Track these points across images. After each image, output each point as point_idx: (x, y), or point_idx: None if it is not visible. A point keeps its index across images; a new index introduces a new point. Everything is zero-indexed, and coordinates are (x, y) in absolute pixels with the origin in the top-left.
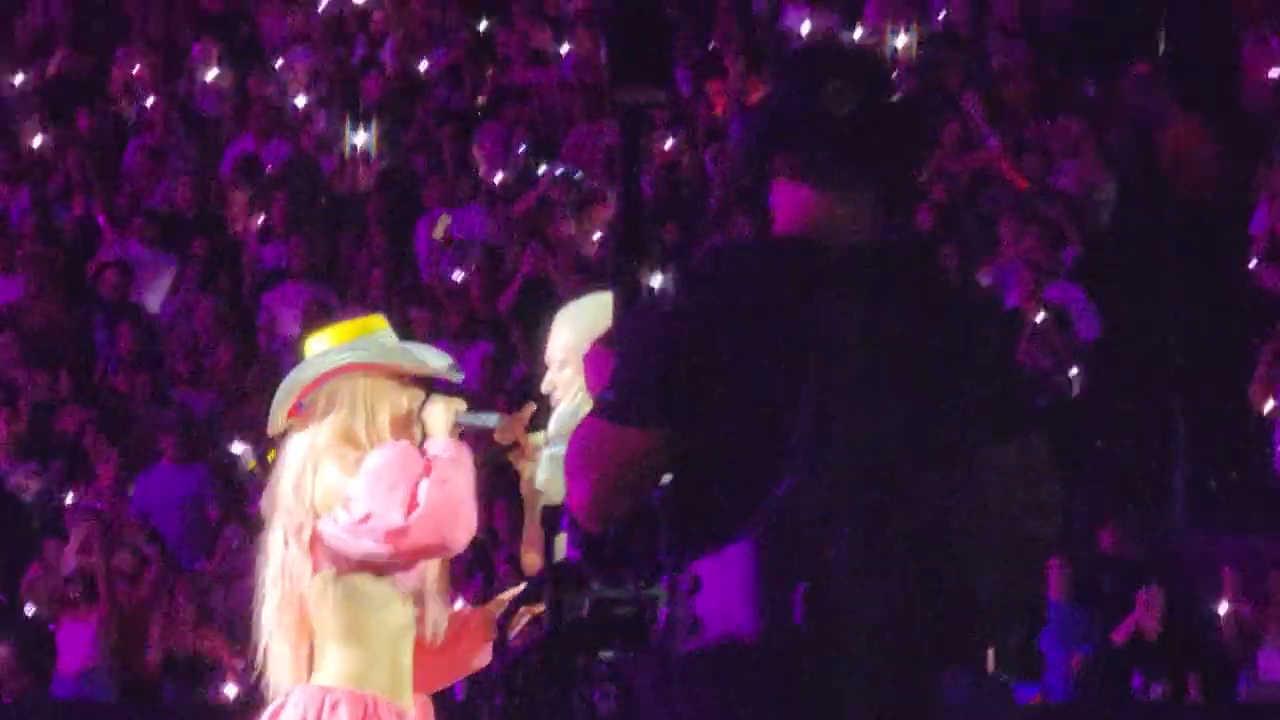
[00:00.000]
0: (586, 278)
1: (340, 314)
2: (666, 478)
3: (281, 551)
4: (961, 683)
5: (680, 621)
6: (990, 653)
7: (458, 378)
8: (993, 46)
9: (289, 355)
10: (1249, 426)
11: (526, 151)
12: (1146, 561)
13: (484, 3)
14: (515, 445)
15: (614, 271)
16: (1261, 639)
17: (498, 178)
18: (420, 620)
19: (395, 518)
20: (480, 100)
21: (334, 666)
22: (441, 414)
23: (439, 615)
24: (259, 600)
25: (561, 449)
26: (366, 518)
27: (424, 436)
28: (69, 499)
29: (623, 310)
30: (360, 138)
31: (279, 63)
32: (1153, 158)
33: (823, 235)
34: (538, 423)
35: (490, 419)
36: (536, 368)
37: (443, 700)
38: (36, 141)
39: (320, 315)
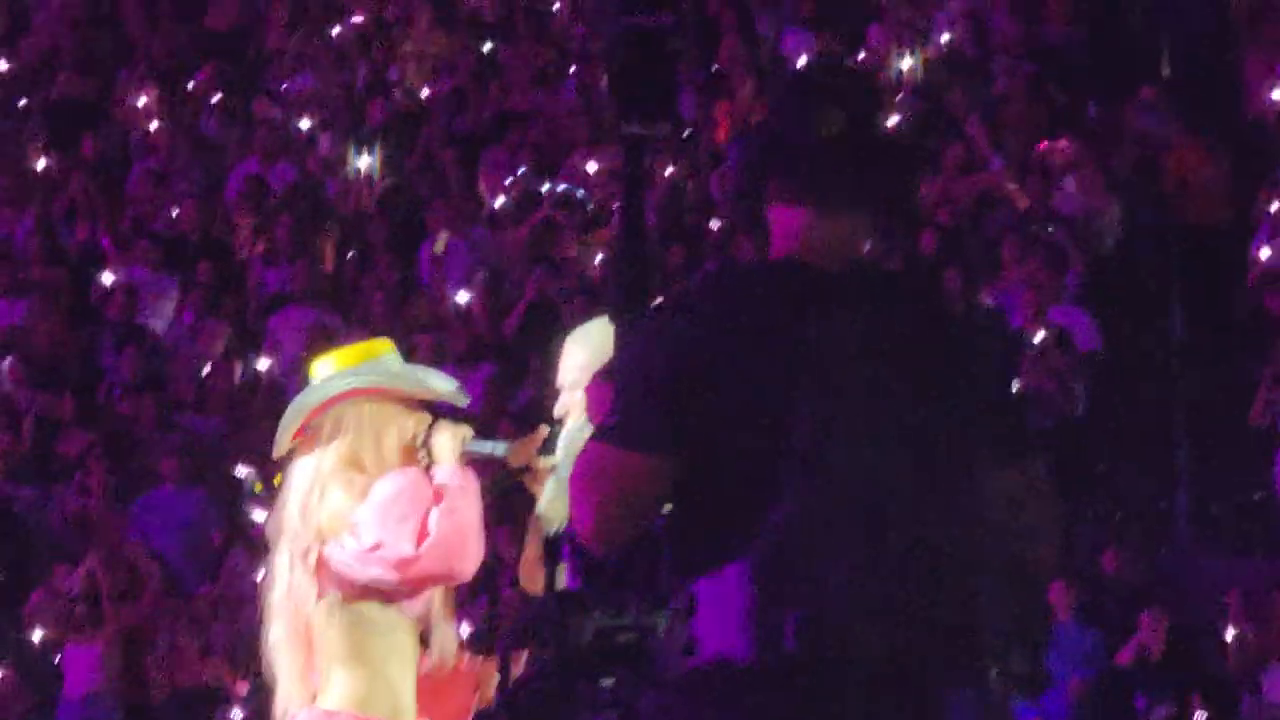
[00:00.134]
0: (591, 300)
1: (344, 337)
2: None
3: (287, 575)
4: (965, 705)
5: (677, 641)
6: (994, 674)
7: (464, 402)
8: (997, 69)
9: (293, 378)
10: (1252, 449)
11: (529, 174)
12: (1150, 583)
13: (488, 26)
14: (528, 469)
15: (616, 302)
16: (1265, 661)
17: (501, 201)
18: (426, 646)
19: (405, 547)
20: (484, 123)
21: (338, 690)
22: (449, 441)
23: (445, 641)
24: (265, 624)
25: (567, 472)
26: (376, 546)
27: (430, 462)
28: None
29: (623, 340)
30: (364, 161)
31: (284, 86)
32: (1156, 180)
33: (819, 258)
34: (550, 446)
35: (498, 447)
36: (543, 391)
37: None
38: (41, 164)
39: (323, 338)
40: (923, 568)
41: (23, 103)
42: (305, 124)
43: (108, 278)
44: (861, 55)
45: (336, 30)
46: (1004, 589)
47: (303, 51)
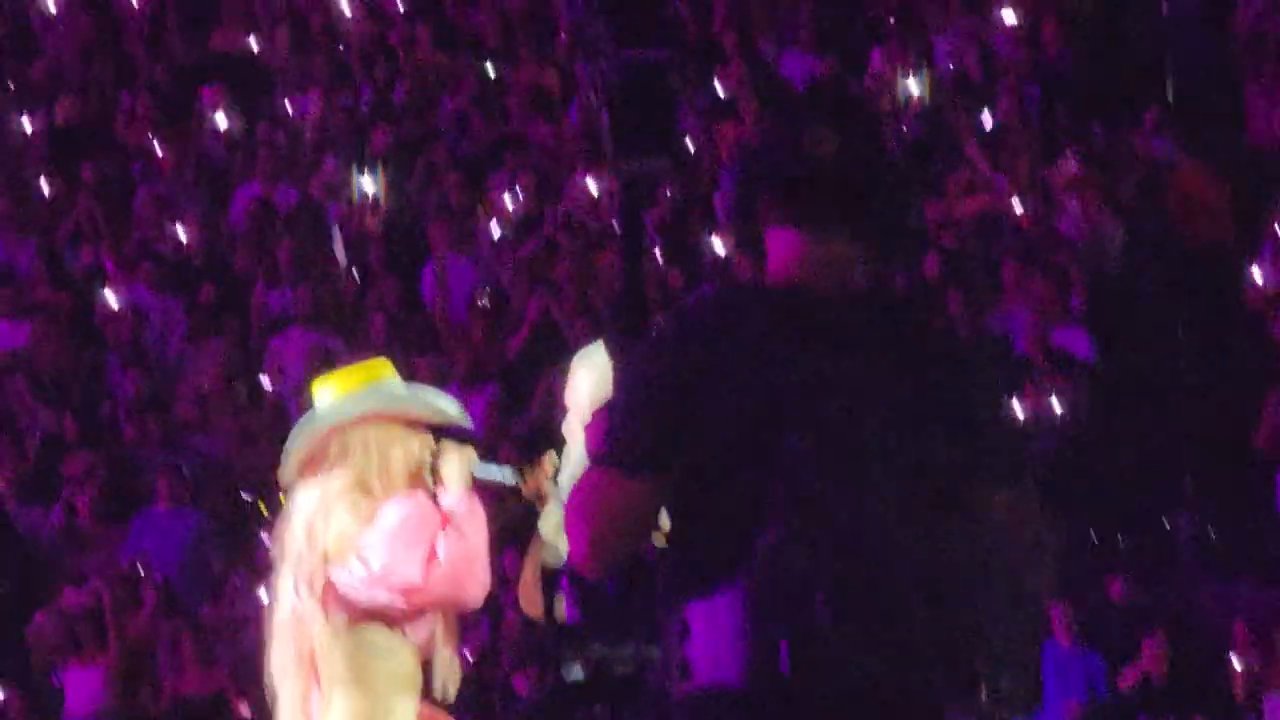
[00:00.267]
0: (593, 322)
1: (345, 359)
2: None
3: (292, 597)
4: None
5: (670, 665)
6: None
7: (467, 422)
8: (1001, 91)
9: (296, 400)
10: (1256, 473)
11: (531, 197)
12: (1153, 608)
13: (491, 48)
14: (539, 497)
15: (614, 337)
16: (1268, 686)
17: (504, 223)
18: (428, 671)
19: (413, 574)
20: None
21: (339, 713)
22: (456, 465)
23: (448, 668)
24: (268, 645)
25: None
26: (383, 571)
27: (437, 485)
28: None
29: (618, 373)
30: (368, 183)
31: (287, 108)
32: (1160, 203)
33: (811, 282)
34: (558, 474)
35: (504, 472)
36: (546, 413)
37: None
38: (45, 188)
39: (323, 361)
40: (913, 592)
41: (27, 125)
42: (309, 146)
43: (112, 299)
44: (865, 79)
45: (340, 52)
46: (995, 613)
47: (306, 73)
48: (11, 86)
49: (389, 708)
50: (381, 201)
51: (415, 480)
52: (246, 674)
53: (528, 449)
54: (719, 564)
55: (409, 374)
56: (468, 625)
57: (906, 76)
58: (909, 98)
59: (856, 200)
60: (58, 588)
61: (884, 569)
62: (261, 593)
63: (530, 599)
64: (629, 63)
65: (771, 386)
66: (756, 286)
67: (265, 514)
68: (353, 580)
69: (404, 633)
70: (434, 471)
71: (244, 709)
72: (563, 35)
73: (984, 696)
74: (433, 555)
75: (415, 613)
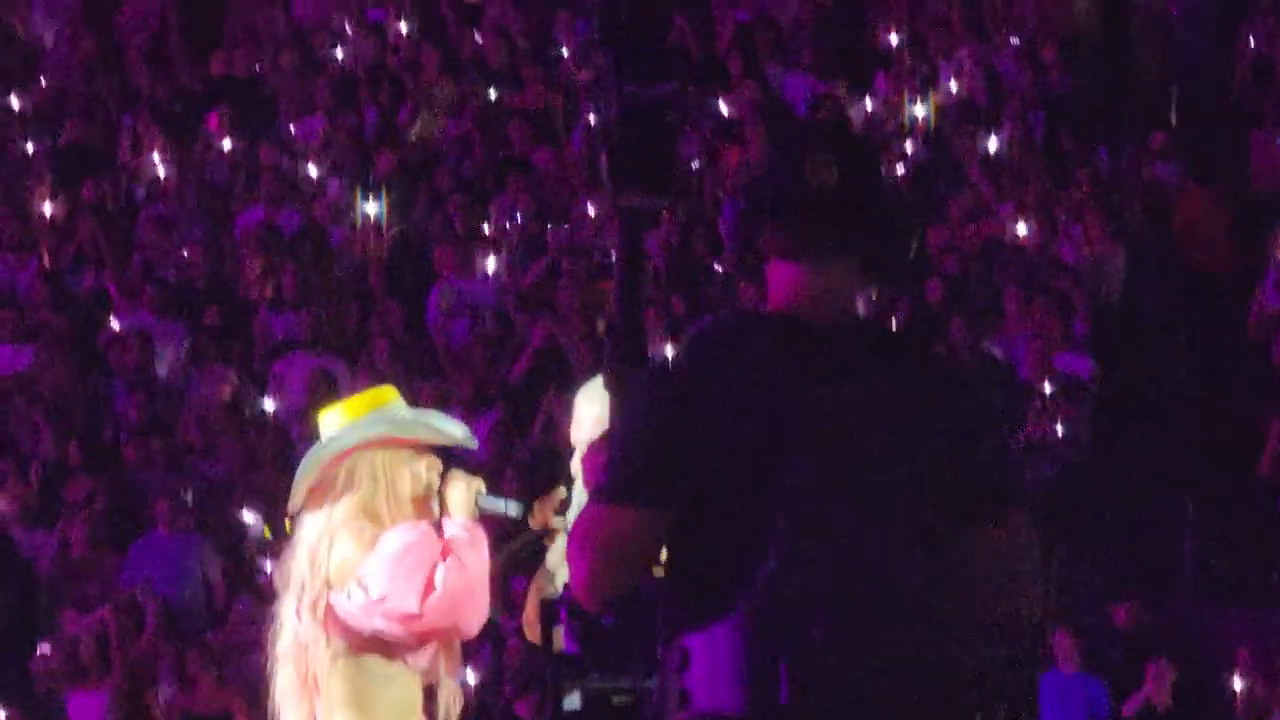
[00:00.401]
0: (596, 348)
1: (348, 383)
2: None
3: (294, 623)
4: None
5: (670, 693)
6: None
7: (473, 445)
8: (1006, 116)
9: (298, 424)
10: (1258, 499)
11: (535, 221)
12: (1156, 633)
13: (494, 71)
14: (547, 530)
15: (611, 371)
16: (1272, 712)
17: (506, 248)
18: (431, 699)
19: (410, 603)
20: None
21: None
22: (462, 494)
23: (450, 695)
24: (271, 670)
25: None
26: (382, 599)
27: (442, 510)
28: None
29: (616, 405)
30: (371, 207)
31: (291, 131)
32: (1164, 229)
33: (812, 311)
34: (567, 506)
35: (510, 505)
36: (549, 437)
37: None
38: (48, 209)
39: (325, 385)
40: (910, 618)
41: (30, 147)
42: (313, 170)
43: (116, 324)
44: (871, 103)
45: (343, 76)
46: (988, 643)
47: (310, 96)
48: (15, 108)
49: None
50: (384, 225)
51: (422, 504)
52: (251, 698)
53: (530, 474)
54: (717, 592)
55: (412, 398)
56: (470, 652)
57: (911, 101)
58: (913, 122)
59: (858, 230)
60: (60, 612)
61: (882, 595)
62: (265, 617)
63: (534, 628)
64: (630, 98)
65: (772, 415)
66: (757, 315)
67: (269, 538)
68: (352, 607)
69: (405, 661)
70: (440, 497)
71: None
72: (564, 55)
73: None
74: (430, 585)
75: (415, 640)
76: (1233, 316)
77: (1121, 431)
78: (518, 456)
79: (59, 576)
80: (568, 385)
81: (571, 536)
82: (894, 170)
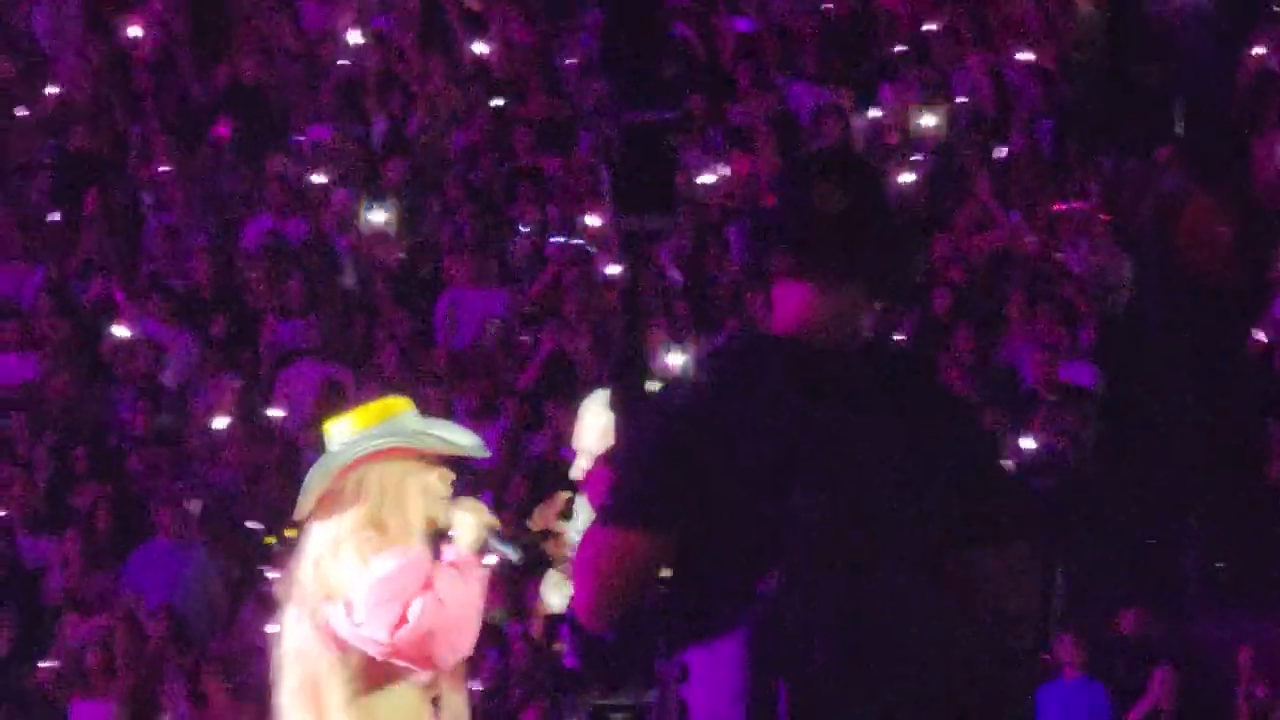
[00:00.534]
0: (604, 356)
1: (356, 392)
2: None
3: (297, 631)
4: None
5: (668, 706)
6: None
7: (485, 454)
8: (1013, 126)
9: (305, 433)
10: (1262, 507)
11: (540, 230)
12: (1161, 641)
13: (500, 81)
14: (549, 534)
15: (615, 392)
16: (1277, 718)
17: (516, 256)
18: (436, 708)
19: (380, 634)
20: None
21: None
22: (471, 525)
23: (455, 706)
24: (276, 677)
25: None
26: (359, 622)
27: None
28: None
29: (622, 424)
30: (379, 216)
31: (298, 140)
32: (1169, 238)
33: (819, 334)
34: (570, 512)
35: (515, 551)
36: (558, 446)
37: None
38: (54, 218)
39: (334, 394)
40: (910, 645)
41: (38, 155)
42: (320, 179)
43: (123, 332)
44: (877, 113)
45: (350, 85)
46: (987, 670)
47: (317, 105)
48: (23, 115)
49: None
50: (392, 234)
51: (431, 516)
52: (258, 705)
53: (537, 483)
54: (721, 610)
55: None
56: (475, 659)
57: (917, 111)
58: (920, 131)
59: (865, 254)
60: (64, 620)
61: (882, 621)
62: (270, 625)
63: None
64: (631, 124)
65: (783, 441)
66: (767, 340)
67: (275, 545)
68: (339, 622)
69: (404, 673)
70: (449, 516)
71: None
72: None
73: None
74: (403, 619)
75: (392, 663)
76: (1238, 326)
77: (1127, 440)
78: (525, 464)
79: (62, 584)
80: (575, 394)
81: (577, 557)
82: (901, 180)
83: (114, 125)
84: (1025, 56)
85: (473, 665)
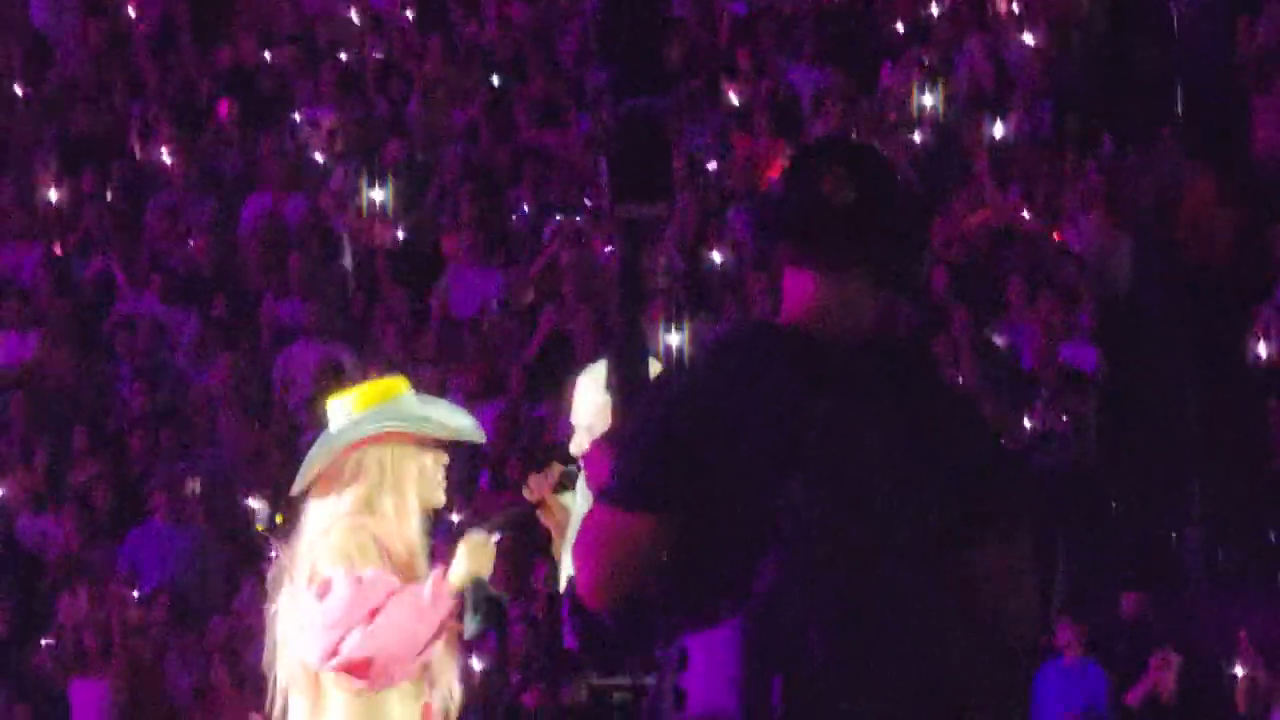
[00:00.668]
0: (603, 336)
1: (355, 371)
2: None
3: (292, 609)
4: None
5: (666, 692)
6: None
7: (482, 439)
8: (1012, 106)
9: (305, 413)
10: (1263, 489)
11: (540, 210)
12: (1160, 624)
13: (499, 60)
14: (542, 503)
15: (615, 373)
16: (1275, 700)
17: (514, 236)
18: (432, 687)
19: (312, 656)
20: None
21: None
22: (464, 568)
23: (449, 689)
24: (273, 655)
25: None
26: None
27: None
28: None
29: (622, 409)
30: (378, 195)
31: (298, 120)
32: (1169, 220)
33: (825, 323)
34: (564, 484)
35: (471, 622)
36: (558, 426)
37: None
38: (54, 197)
39: (332, 374)
40: (904, 636)
41: (39, 135)
42: (319, 158)
43: (125, 310)
44: (876, 92)
45: (350, 65)
46: (984, 667)
47: (317, 86)
48: (24, 96)
49: (387, 714)
50: (390, 213)
51: (428, 494)
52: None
53: (535, 463)
54: (719, 597)
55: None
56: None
57: (919, 91)
58: (920, 111)
59: (874, 246)
60: (61, 600)
61: (879, 617)
62: (268, 604)
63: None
64: (628, 111)
65: (784, 430)
66: (772, 329)
67: (274, 524)
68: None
69: None
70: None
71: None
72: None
73: None
74: (335, 650)
75: None
76: (1238, 308)
77: (1127, 421)
78: (523, 444)
79: (59, 563)
80: (573, 374)
81: (579, 539)
82: (901, 161)
83: (114, 106)
84: (1025, 38)
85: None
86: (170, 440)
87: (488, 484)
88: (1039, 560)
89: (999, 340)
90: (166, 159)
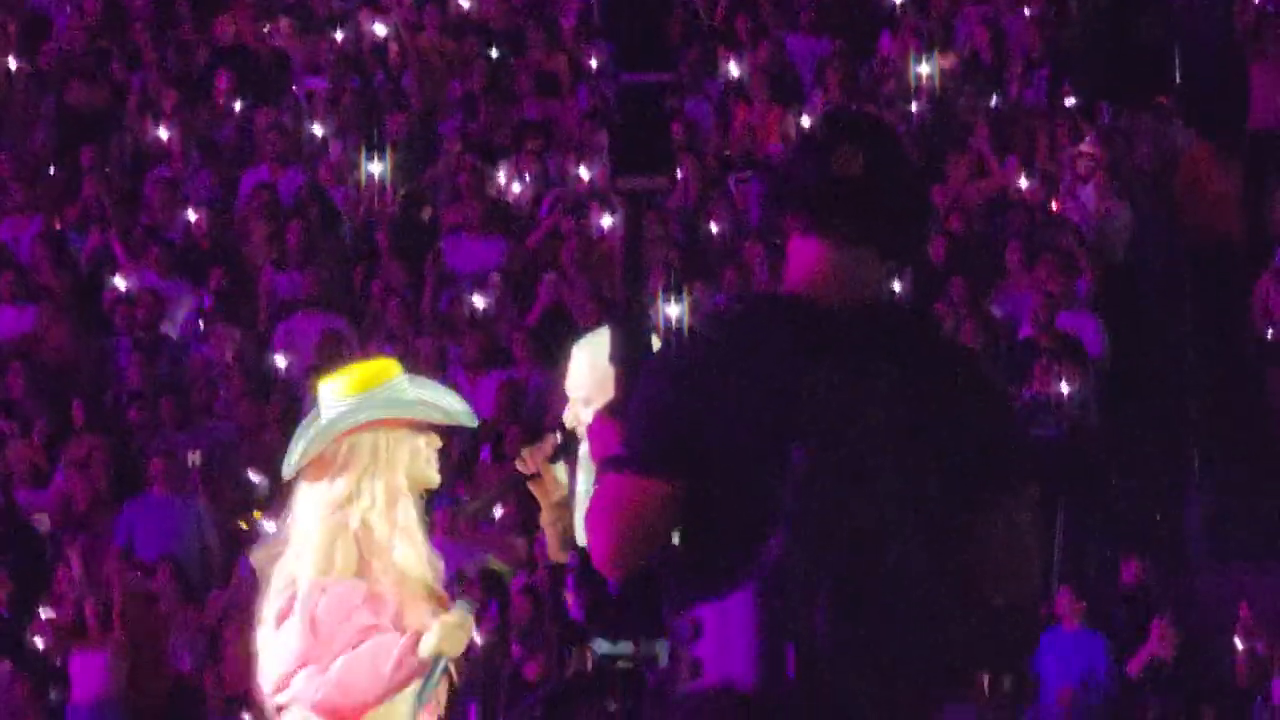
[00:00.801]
0: (602, 306)
1: (354, 344)
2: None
3: (283, 589)
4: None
5: (681, 662)
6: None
7: (474, 423)
8: (1012, 75)
9: (304, 387)
10: (1263, 459)
11: (538, 182)
12: (1162, 592)
13: (498, 33)
14: (536, 476)
15: (618, 345)
16: (1276, 669)
17: (514, 207)
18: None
19: (267, 681)
20: (496, 130)
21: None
22: (440, 637)
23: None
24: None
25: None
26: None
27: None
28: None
29: (625, 379)
30: (376, 167)
31: (296, 92)
32: (1169, 187)
33: (830, 292)
34: (559, 455)
35: (420, 694)
36: (556, 397)
37: None
38: (52, 171)
39: (334, 346)
40: (914, 608)
41: (37, 108)
42: (317, 130)
43: (123, 284)
44: (874, 61)
45: (347, 37)
46: (991, 624)
47: (315, 59)
48: (22, 69)
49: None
50: (389, 185)
51: (418, 478)
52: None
53: (534, 435)
54: (730, 567)
55: (416, 358)
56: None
57: (916, 59)
58: (918, 80)
59: (880, 220)
60: (61, 572)
61: (888, 580)
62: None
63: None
64: (629, 86)
65: (784, 396)
66: (774, 298)
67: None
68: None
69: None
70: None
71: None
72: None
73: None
74: (285, 684)
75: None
76: (1238, 275)
77: (1127, 390)
78: (524, 415)
79: (58, 536)
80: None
81: (592, 507)
82: (898, 128)
83: (112, 79)
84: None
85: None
86: (169, 412)
87: (489, 457)
88: (1039, 520)
89: (996, 310)
90: (164, 133)
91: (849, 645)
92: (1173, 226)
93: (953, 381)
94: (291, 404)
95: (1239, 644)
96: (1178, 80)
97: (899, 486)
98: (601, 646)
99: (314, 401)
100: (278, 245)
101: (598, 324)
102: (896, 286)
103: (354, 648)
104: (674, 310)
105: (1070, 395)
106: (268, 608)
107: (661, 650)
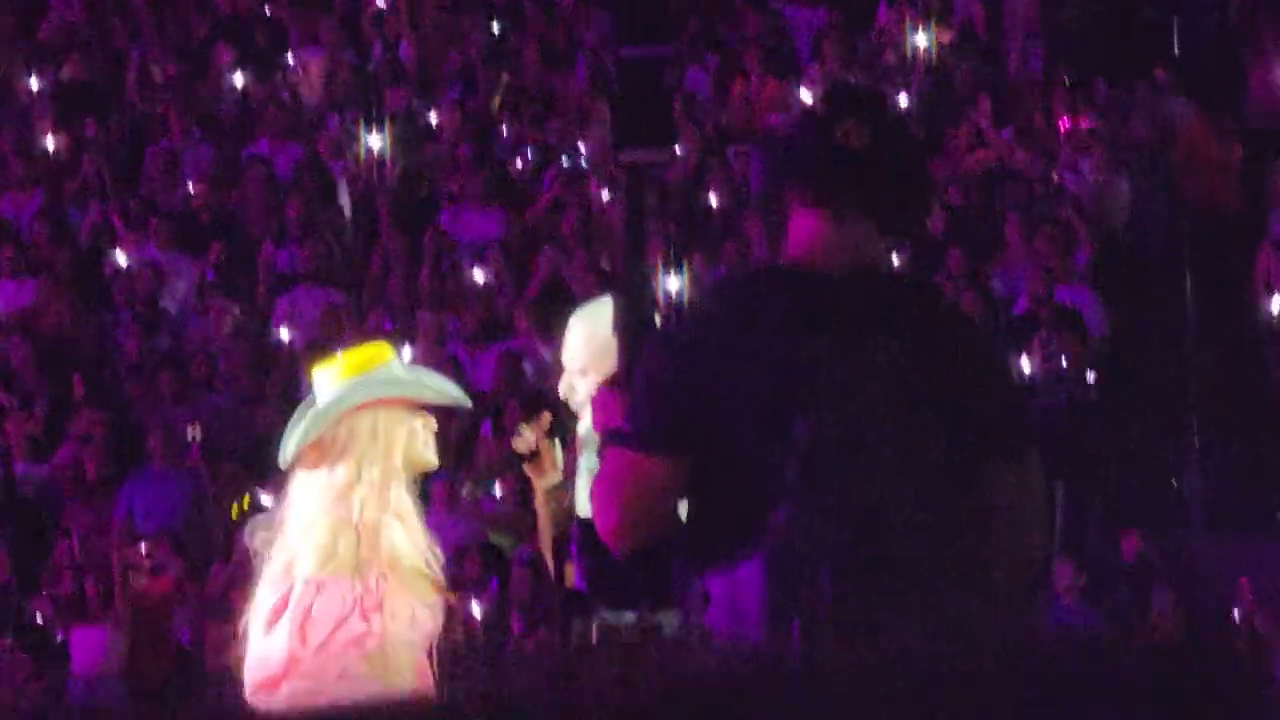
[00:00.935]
0: (601, 279)
1: (354, 318)
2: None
3: (280, 579)
4: None
5: (694, 634)
6: None
7: (467, 404)
8: (1010, 48)
9: (307, 359)
10: (1265, 431)
11: (537, 154)
12: (1162, 566)
13: (497, 6)
14: (535, 455)
15: (620, 317)
16: (1276, 644)
17: (514, 179)
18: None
19: (250, 682)
20: (495, 103)
21: None
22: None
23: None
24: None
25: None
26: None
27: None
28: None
29: (628, 351)
30: (375, 140)
31: (294, 65)
32: (1168, 160)
33: (830, 263)
34: (555, 431)
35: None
36: (554, 371)
37: None
38: (51, 145)
39: (335, 320)
40: (919, 576)
41: (35, 83)
42: (316, 103)
43: (124, 258)
44: (872, 32)
45: (347, 9)
46: (997, 589)
47: (314, 31)
48: (20, 43)
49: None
50: (388, 158)
51: (414, 459)
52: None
53: (534, 409)
54: (737, 539)
55: (416, 331)
56: (476, 584)
57: (913, 31)
58: (915, 51)
59: (882, 194)
60: (60, 546)
61: (892, 549)
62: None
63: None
64: (629, 59)
65: (787, 368)
66: (774, 269)
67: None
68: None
69: None
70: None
71: None
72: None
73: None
74: (275, 685)
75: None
76: (1237, 247)
77: (1126, 363)
78: (524, 388)
79: (58, 509)
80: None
81: (598, 481)
82: (896, 100)
83: (111, 52)
84: None
85: (472, 590)
86: (169, 386)
87: (489, 432)
88: (1042, 478)
89: (995, 284)
90: (163, 105)
91: (855, 617)
92: (1171, 199)
93: (953, 352)
94: (291, 378)
95: (1240, 615)
96: (1176, 53)
97: (901, 457)
98: (605, 617)
99: (310, 383)
100: (277, 219)
101: (594, 294)
102: (896, 261)
103: (341, 658)
104: (673, 283)
105: (1070, 367)
106: (262, 596)
107: (667, 621)
